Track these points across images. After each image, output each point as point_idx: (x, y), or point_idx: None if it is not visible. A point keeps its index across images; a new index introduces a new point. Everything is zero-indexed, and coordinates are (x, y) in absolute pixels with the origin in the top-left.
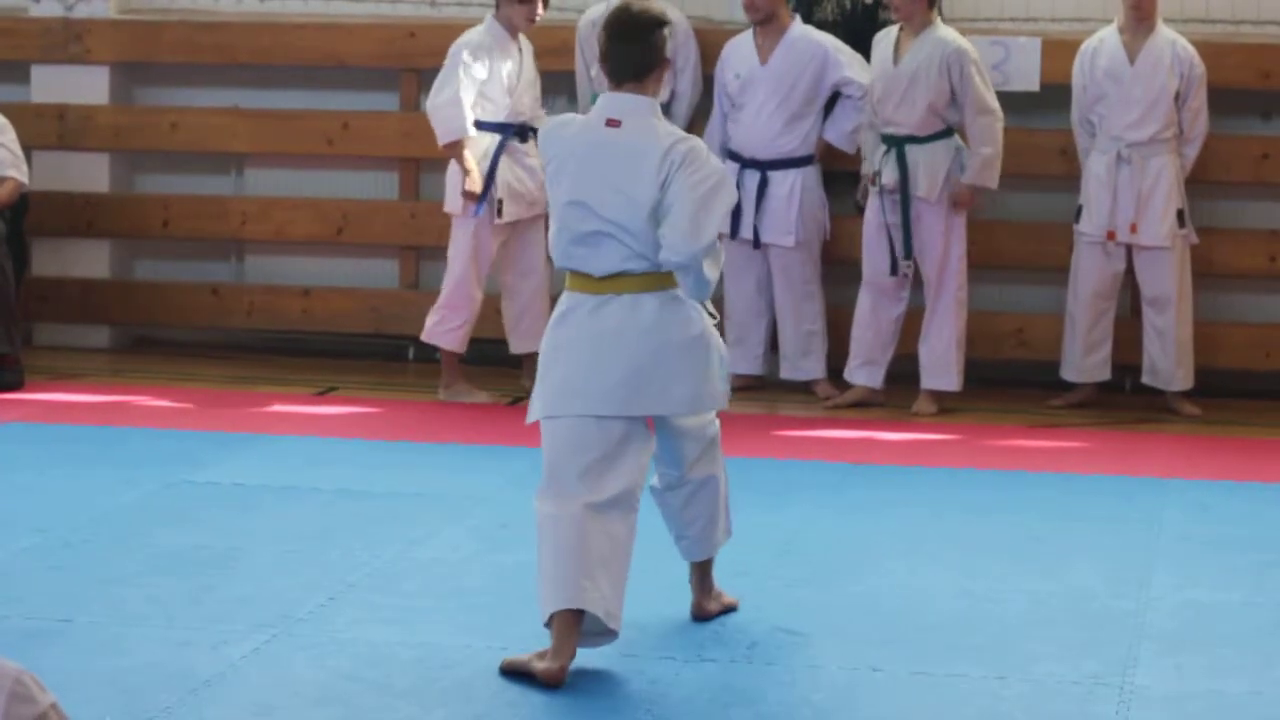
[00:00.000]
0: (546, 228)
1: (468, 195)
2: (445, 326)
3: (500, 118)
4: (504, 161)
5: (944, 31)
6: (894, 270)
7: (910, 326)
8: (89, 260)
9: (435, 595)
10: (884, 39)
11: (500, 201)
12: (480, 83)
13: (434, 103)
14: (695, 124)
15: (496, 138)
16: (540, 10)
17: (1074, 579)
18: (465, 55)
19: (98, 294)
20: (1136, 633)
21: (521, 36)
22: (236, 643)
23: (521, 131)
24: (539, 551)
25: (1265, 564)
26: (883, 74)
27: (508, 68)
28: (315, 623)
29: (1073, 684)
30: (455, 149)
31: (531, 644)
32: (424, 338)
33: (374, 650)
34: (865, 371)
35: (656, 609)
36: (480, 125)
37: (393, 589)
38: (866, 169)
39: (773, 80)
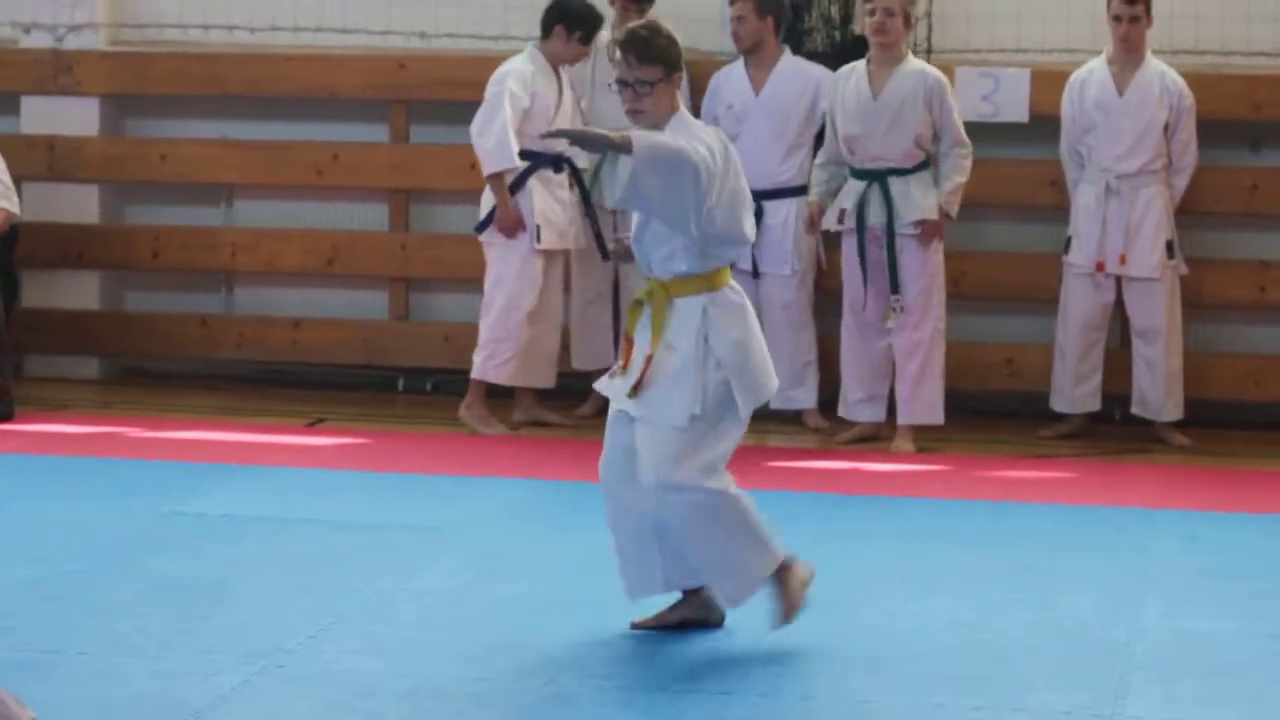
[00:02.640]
0: (568, 265)
1: (503, 229)
2: (495, 361)
3: (535, 147)
4: (538, 190)
5: (917, 63)
6: (881, 307)
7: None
8: (79, 291)
9: (427, 626)
10: (851, 75)
11: (539, 228)
12: (524, 110)
13: (482, 132)
14: None
15: (525, 164)
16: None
17: (1065, 609)
18: (512, 84)
19: (87, 325)
20: (1127, 663)
21: (562, 68)
22: (227, 674)
23: (556, 162)
24: (742, 521)
25: (1256, 594)
26: (859, 109)
27: (549, 98)
28: (306, 654)
29: (1064, 714)
30: (498, 180)
31: (524, 675)
32: (475, 375)
33: (365, 681)
34: (867, 408)
35: (649, 639)
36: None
37: (384, 620)
38: (815, 203)
39: (768, 111)
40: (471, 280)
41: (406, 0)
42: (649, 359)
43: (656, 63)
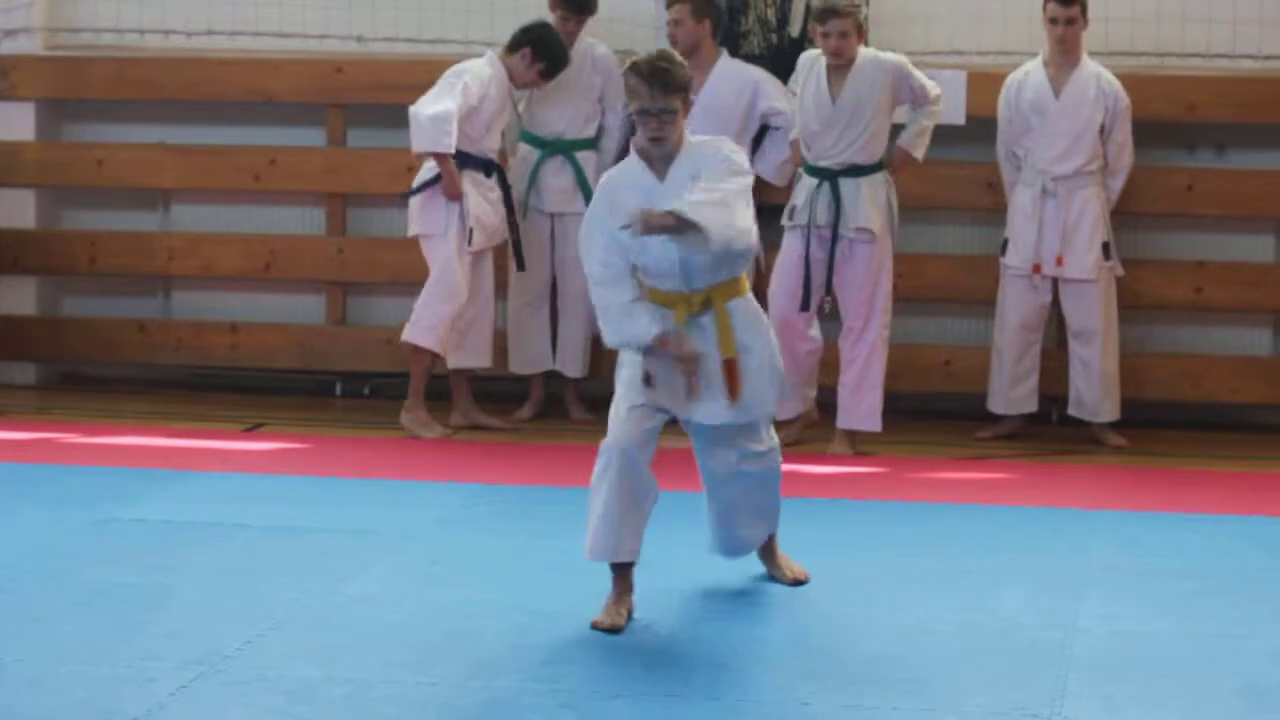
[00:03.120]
0: (495, 256)
1: (452, 195)
2: (423, 324)
3: (470, 149)
4: (471, 192)
5: (870, 53)
6: (806, 306)
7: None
8: (15, 297)
9: (365, 631)
10: (813, 67)
11: (471, 230)
12: (470, 109)
13: (424, 112)
14: (623, 158)
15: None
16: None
17: (1002, 610)
18: (469, 79)
19: (24, 330)
20: (1065, 664)
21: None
22: (165, 680)
23: (487, 166)
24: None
25: (1192, 594)
26: (818, 105)
27: (494, 106)
28: (244, 659)
29: (1001, 715)
30: (443, 159)
31: (464, 679)
32: (404, 337)
33: (303, 687)
34: (786, 406)
35: (586, 642)
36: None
37: (322, 625)
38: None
39: (705, 112)
40: (409, 283)
41: (343, 4)
42: (730, 363)
43: (678, 92)
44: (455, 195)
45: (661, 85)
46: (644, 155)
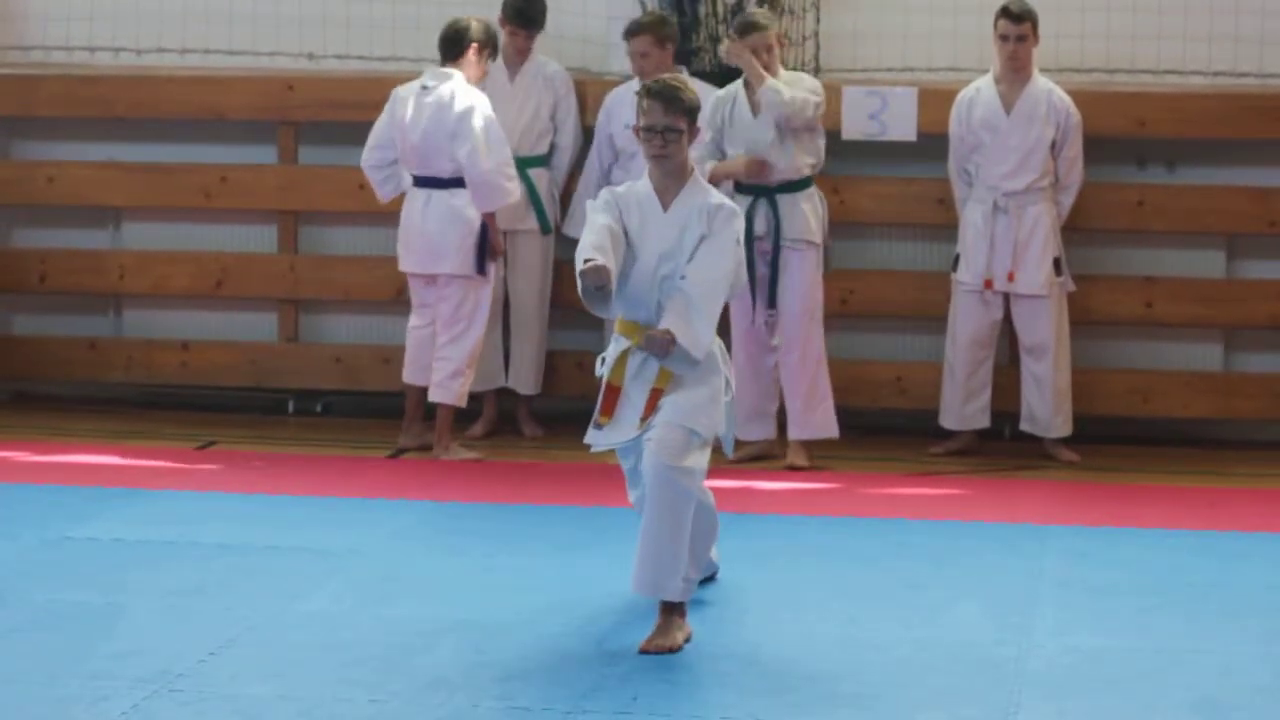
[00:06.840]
0: None
1: (501, 252)
2: (468, 387)
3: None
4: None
5: (784, 75)
6: (753, 320)
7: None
8: None
9: (319, 649)
10: (735, 100)
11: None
12: None
13: (501, 169)
14: (574, 176)
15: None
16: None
17: (955, 626)
18: (491, 110)
19: None
20: (1018, 679)
21: None
22: (118, 699)
23: None
24: (693, 532)
25: (1144, 608)
26: (747, 131)
27: None
28: (196, 678)
29: None
30: (493, 215)
31: (417, 696)
32: (455, 401)
33: (255, 705)
34: (755, 425)
35: (540, 658)
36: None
37: (276, 643)
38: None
39: None
40: (361, 301)
41: (294, 22)
42: (656, 393)
43: (685, 113)
44: (500, 252)
45: (668, 104)
46: (654, 179)
